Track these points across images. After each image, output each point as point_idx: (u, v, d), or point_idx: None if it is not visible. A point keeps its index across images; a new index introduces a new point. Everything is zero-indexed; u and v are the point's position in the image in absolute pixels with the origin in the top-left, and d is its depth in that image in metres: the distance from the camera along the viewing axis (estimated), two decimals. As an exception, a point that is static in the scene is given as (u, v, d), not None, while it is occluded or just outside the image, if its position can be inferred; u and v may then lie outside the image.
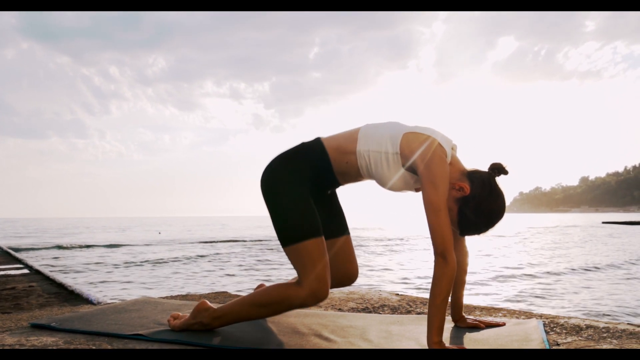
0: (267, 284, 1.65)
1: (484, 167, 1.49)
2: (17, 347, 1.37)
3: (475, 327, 1.59)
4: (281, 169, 1.49)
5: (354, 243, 1.72)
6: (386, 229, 35.63)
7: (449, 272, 1.28)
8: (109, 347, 1.38)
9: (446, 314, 1.34)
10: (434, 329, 1.26)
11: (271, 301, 1.42)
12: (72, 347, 1.37)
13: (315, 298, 1.37)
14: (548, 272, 9.38)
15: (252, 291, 1.80)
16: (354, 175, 1.51)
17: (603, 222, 41.68)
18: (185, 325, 1.55)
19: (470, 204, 1.40)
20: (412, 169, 1.41)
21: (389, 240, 20.98)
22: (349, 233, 1.69)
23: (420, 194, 1.39)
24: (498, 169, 1.45)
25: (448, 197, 1.38)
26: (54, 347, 1.36)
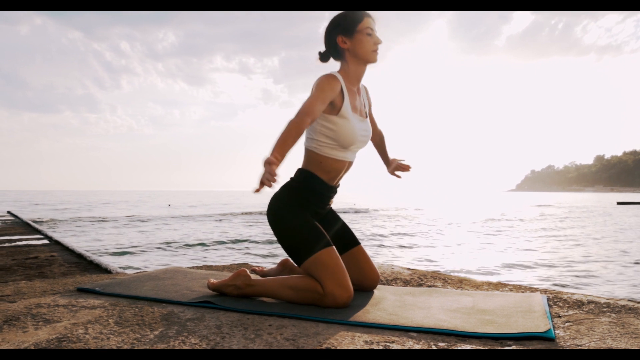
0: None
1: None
2: (69, 306, 1.53)
3: (402, 169, 2.03)
4: (281, 199, 1.72)
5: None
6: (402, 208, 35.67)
7: (293, 120, 1.55)
8: (150, 309, 1.53)
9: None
10: (275, 147, 1.49)
11: (301, 288, 1.59)
12: (117, 309, 1.53)
13: (336, 303, 1.55)
14: None
15: (273, 265, 2.02)
16: (333, 164, 1.74)
17: (618, 203, 41.10)
18: (222, 285, 1.73)
19: (352, 32, 1.72)
20: (332, 107, 1.69)
21: (404, 218, 21.12)
22: (359, 243, 1.87)
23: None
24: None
25: (357, 46, 1.71)
26: (101, 308, 1.52)
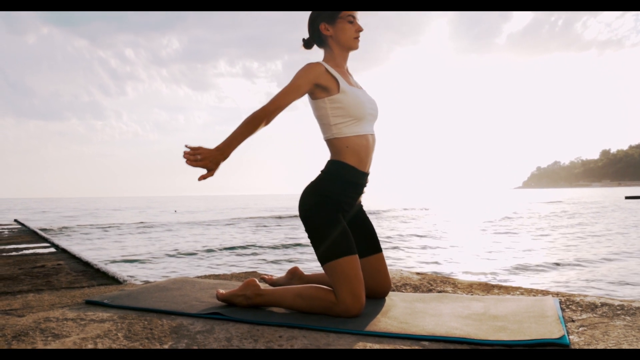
0: (301, 267, 1.81)
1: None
2: (78, 320, 1.53)
3: None
4: (313, 194, 1.70)
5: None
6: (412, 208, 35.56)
7: (259, 112, 1.61)
8: (159, 322, 1.52)
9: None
10: (227, 139, 1.58)
11: (312, 296, 1.58)
12: (126, 322, 1.52)
13: (347, 312, 1.54)
14: None
15: (282, 273, 2.01)
16: (358, 142, 1.72)
17: (626, 197, 40.74)
18: (231, 295, 1.71)
19: (334, 20, 1.76)
20: (319, 89, 1.70)
21: (412, 219, 21.04)
22: (381, 251, 1.85)
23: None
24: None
25: (339, 33, 1.75)
26: (110, 321, 1.51)
